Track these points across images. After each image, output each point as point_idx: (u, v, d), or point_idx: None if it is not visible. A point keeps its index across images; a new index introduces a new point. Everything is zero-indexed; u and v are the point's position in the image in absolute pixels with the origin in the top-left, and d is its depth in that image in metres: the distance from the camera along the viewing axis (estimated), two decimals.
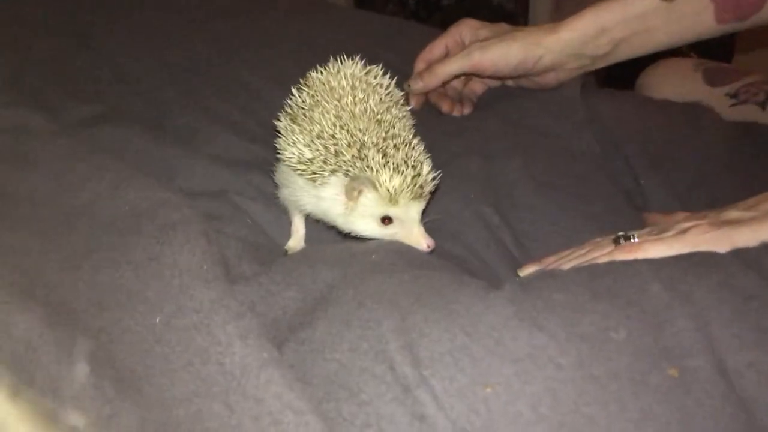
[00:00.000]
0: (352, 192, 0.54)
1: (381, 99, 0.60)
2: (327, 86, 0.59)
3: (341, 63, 0.62)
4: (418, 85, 0.79)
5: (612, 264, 0.46)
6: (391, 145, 0.54)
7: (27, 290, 0.44)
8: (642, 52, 0.79)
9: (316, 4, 1.18)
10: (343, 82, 0.59)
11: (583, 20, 0.75)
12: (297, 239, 0.62)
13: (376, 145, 0.54)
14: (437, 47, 0.82)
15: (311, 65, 0.63)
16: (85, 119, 0.73)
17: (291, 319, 0.45)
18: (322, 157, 0.55)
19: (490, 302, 0.41)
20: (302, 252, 0.56)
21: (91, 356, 0.39)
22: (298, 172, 0.57)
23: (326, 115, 0.56)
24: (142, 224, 0.47)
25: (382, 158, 0.53)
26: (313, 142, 0.56)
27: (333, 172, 0.55)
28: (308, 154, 0.56)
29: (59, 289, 0.44)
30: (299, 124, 0.58)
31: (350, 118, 0.56)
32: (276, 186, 0.63)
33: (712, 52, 1.11)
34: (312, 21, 1.07)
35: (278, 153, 0.60)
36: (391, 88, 0.62)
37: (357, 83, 0.60)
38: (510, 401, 0.37)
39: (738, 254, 0.45)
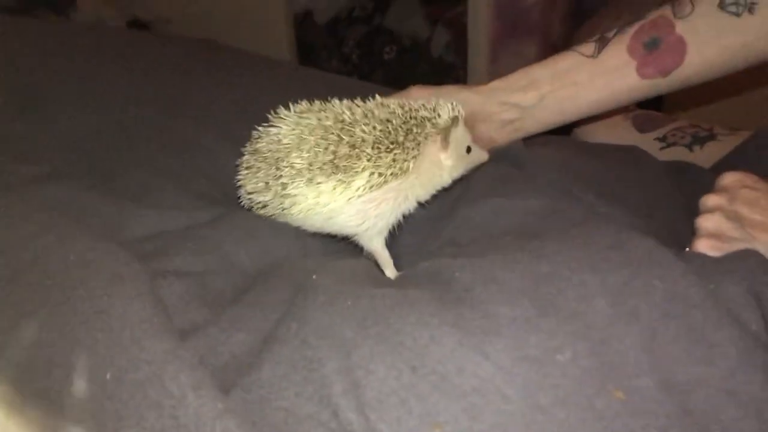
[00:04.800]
0: (445, 141, 0.61)
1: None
2: (335, 121, 0.60)
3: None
4: None
5: (556, 271, 0.46)
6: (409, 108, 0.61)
7: None
8: (572, 108, 0.82)
9: (261, 61, 1.21)
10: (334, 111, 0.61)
11: (515, 74, 0.80)
12: (391, 267, 0.63)
13: (405, 115, 0.60)
14: None
15: (256, 122, 0.65)
16: (28, 179, 0.72)
17: (240, 360, 0.44)
18: (398, 149, 0.58)
19: (435, 330, 0.42)
20: (254, 293, 0.56)
21: None
22: (385, 178, 0.58)
23: (365, 127, 0.58)
24: (89, 276, 0.47)
25: (426, 110, 0.61)
26: (380, 150, 0.58)
27: (417, 145, 0.60)
28: (387, 159, 0.58)
29: (6, 350, 0.43)
30: (351, 156, 0.58)
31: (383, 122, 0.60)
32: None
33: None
34: (257, 77, 1.09)
35: (331, 201, 0.59)
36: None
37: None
38: None
39: (686, 261, 0.46)
